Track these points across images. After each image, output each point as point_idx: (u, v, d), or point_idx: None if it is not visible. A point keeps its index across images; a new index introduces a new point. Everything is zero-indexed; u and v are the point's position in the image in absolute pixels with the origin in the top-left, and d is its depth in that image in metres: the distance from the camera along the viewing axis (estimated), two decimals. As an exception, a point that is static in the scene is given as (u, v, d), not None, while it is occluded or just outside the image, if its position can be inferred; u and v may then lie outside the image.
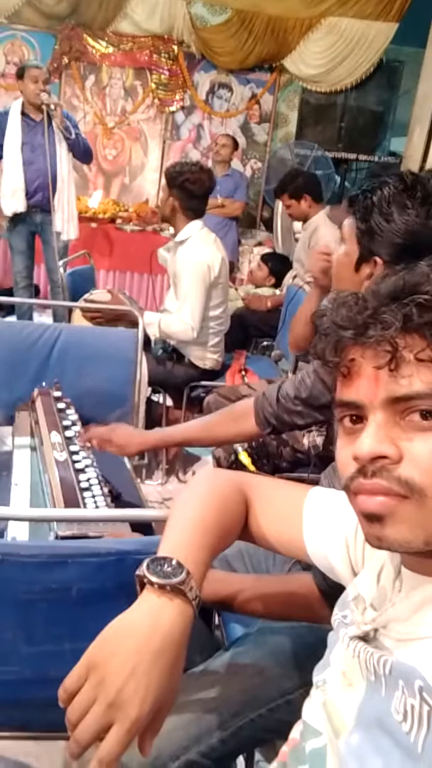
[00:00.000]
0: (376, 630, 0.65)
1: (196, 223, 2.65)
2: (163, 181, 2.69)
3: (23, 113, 3.77)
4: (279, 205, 5.03)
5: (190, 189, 2.57)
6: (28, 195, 3.81)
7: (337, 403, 0.63)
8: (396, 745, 0.56)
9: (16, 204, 3.80)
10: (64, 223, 3.88)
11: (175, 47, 5.91)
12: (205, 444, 1.73)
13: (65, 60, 5.81)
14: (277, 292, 4.07)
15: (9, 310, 4.66)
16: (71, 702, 0.62)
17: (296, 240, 4.60)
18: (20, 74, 3.74)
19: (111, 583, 0.93)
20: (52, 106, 3.67)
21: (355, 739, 0.61)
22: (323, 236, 3.42)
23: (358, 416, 0.61)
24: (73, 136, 3.80)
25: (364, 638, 0.66)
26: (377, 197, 1.11)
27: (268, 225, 6.15)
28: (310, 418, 1.40)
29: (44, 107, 3.65)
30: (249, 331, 3.82)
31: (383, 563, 0.71)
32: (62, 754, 1.39)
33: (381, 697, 0.60)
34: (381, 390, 0.59)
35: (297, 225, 4.37)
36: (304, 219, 3.66)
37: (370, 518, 0.59)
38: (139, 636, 0.63)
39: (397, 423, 0.58)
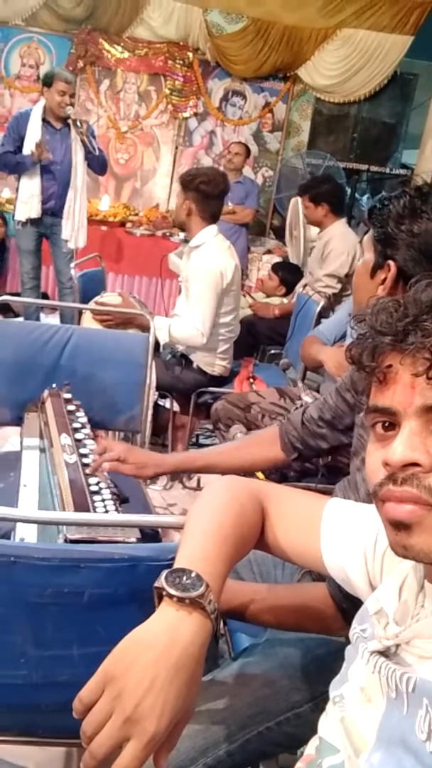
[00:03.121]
0: (397, 645, 0.64)
1: (211, 229, 2.64)
2: (176, 186, 2.69)
3: (44, 119, 3.76)
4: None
5: (205, 190, 2.57)
6: (42, 201, 3.82)
7: (370, 409, 0.63)
8: (420, 764, 0.55)
9: (30, 210, 3.80)
10: (73, 232, 3.88)
11: (190, 54, 5.94)
12: (227, 471, 1.63)
13: (80, 64, 5.84)
14: (285, 300, 4.07)
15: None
16: (86, 714, 0.61)
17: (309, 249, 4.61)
18: (47, 82, 3.70)
19: (123, 590, 0.92)
20: (79, 123, 3.71)
21: (376, 758, 0.60)
22: (335, 248, 3.46)
23: (391, 423, 0.61)
24: (97, 152, 3.83)
25: (385, 653, 0.65)
26: (393, 205, 1.12)
27: (278, 233, 6.16)
28: (336, 441, 1.38)
29: (70, 121, 3.70)
30: (258, 339, 3.82)
31: (405, 577, 0.70)
32: (62, 760, 1.37)
33: (402, 715, 0.59)
34: (417, 397, 0.58)
35: (310, 233, 4.37)
36: (317, 225, 3.72)
37: (397, 526, 0.59)
38: (157, 649, 0.62)
39: (431, 432, 0.58)
